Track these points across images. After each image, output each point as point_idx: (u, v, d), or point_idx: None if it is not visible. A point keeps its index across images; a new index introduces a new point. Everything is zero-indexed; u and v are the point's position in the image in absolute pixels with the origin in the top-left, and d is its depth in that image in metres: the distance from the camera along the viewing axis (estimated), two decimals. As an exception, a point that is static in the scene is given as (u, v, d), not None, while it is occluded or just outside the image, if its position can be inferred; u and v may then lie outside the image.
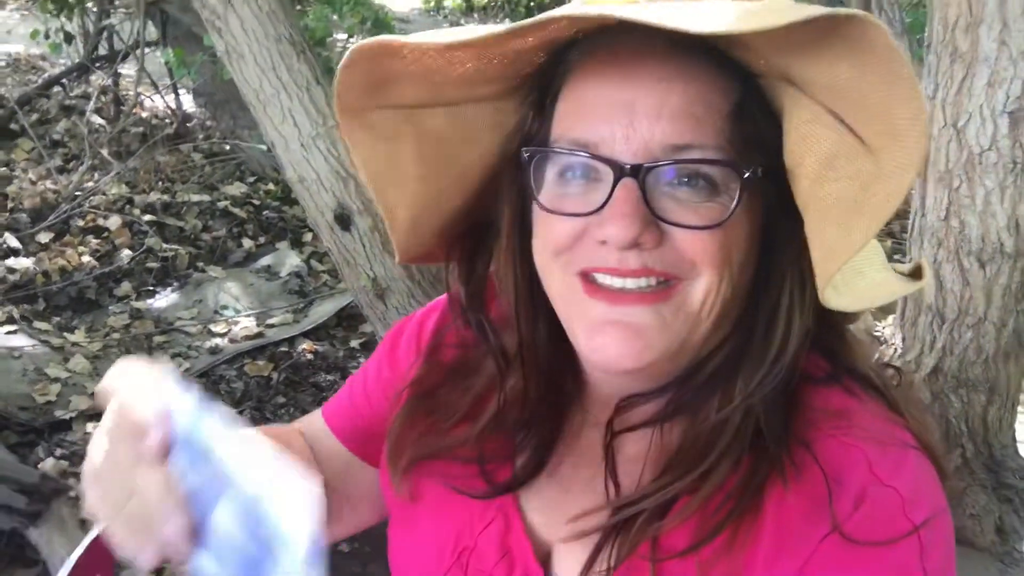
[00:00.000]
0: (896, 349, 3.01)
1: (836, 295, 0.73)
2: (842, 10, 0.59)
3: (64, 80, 6.45)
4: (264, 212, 5.27)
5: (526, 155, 0.78)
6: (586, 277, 0.75)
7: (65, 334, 4.04)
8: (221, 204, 5.22)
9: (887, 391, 0.79)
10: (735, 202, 0.72)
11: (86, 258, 4.56)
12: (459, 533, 0.86)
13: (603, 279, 0.74)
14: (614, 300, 0.73)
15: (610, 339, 0.74)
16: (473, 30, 0.71)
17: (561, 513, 0.82)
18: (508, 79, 0.80)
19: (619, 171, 0.71)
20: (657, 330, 0.73)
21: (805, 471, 0.73)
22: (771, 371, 0.75)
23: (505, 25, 0.69)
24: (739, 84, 0.74)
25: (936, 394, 2.91)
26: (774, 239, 0.77)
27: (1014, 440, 3.10)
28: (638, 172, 0.71)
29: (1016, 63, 2.53)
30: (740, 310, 0.78)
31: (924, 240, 2.81)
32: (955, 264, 2.76)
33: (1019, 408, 3.12)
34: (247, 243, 4.98)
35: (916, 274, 0.80)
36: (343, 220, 2.84)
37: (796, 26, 0.58)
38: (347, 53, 0.75)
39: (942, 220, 2.75)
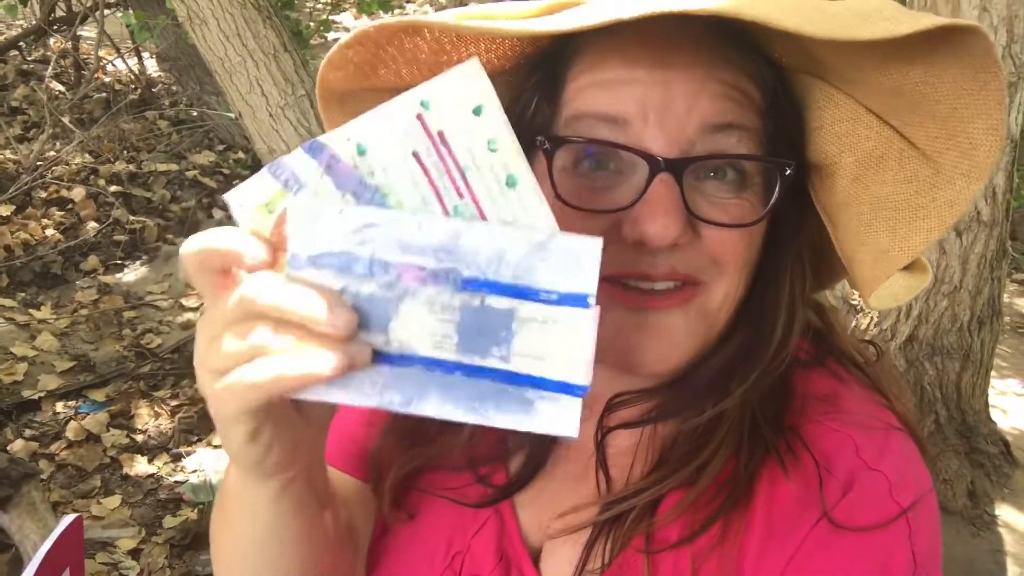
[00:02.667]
0: (872, 318, 3.03)
1: (876, 296, 0.72)
2: (960, 21, 0.56)
3: (21, 44, 6.21)
4: (235, 182, 5.13)
5: (546, 144, 0.69)
6: (612, 281, 0.69)
7: (31, 311, 3.94)
8: (190, 174, 5.09)
9: (868, 369, 0.78)
10: (773, 200, 0.69)
11: (50, 231, 4.44)
12: (450, 538, 0.83)
13: (631, 282, 0.70)
14: (643, 304, 0.69)
15: (642, 342, 0.70)
16: (513, 17, 0.63)
17: (551, 510, 0.79)
18: (510, 58, 0.75)
19: (656, 165, 0.65)
20: (685, 332, 0.70)
21: (796, 458, 0.72)
22: (771, 365, 0.73)
23: (543, 20, 0.61)
24: (771, 75, 0.70)
25: (911, 361, 2.94)
26: (780, 233, 0.74)
27: (987, 406, 3.16)
28: (676, 167, 0.65)
29: (997, 30, 2.51)
30: (744, 305, 0.75)
31: (902, 209, 2.82)
32: (932, 233, 2.77)
33: (992, 374, 3.17)
34: (217, 214, 4.87)
35: (911, 266, 0.78)
36: (315, 193, 2.77)
37: (914, 35, 0.55)
38: (356, 31, 0.67)
39: (920, 189, 2.75)
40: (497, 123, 0.56)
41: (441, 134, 0.56)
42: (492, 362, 0.54)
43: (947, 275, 2.81)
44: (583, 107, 0.68)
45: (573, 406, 0.54)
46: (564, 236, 0.53)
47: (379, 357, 0.55)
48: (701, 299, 0.70)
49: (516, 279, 0.53)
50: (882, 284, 0.72)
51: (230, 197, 0.57)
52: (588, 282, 0.53)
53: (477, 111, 0.55)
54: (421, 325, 0.54)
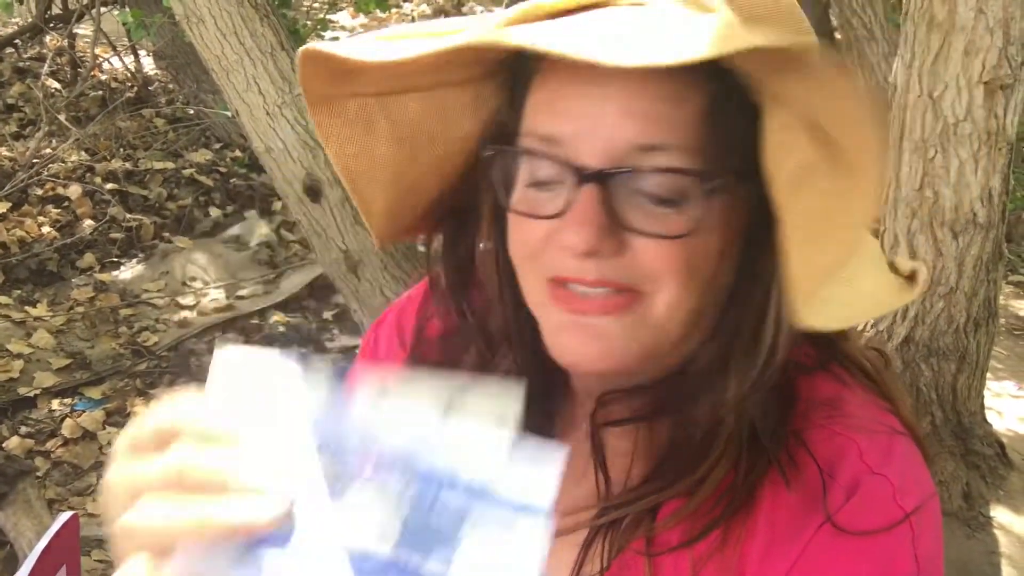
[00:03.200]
0: (868, 320, 3.03)
1: (813, 312, 0.68)
2: (773, 44, 0.57)
3: (17, 41, 6.19)
4: (231, 180, 5.14)
5: (491, 153, 0.75)
6: (554, 283, 0.73)
7: (27, 308, 3.93)
8: (186, 172, 5.08)
9: (874, 375, 0.78)
10: (699, 213, 0.68)
11: (46, 229, 4.43)
12: None
13: (571, 285, 0.72)
14: (577, 307, 0.71)
15: (573, 341, 0.72)
16: (418, 41, 0.66)
17: None
18: (481, 64, 0.76)
19: (579, 176, 0.68)
20: (619, 337, 0.71)
21: (798, 463, 0.71)
22: (764, 372, 0.73)
23: (444, 41, 0.65)
24: (715, 80, 0.69)
25: (907, 363, 2.95)
26: (758, 240, 0.73)
27: (982, 407, 3.17)
28: (599, 177, 0.67)
29: (993, 32, 2.51)
30: (720, 313, 0.75)
31: (898, 211, 2.82)
32: (928, 234, 2.78)
33: (987, 376, 3.18)
34: (214, 212, 4.86)
35: (914, 277, 0.77)
36: (313, 191, 2.77)
37: (737, 53, 0.56)
38: (297, 52, 0.71)
39: (916, 190, 2.75)
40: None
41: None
42: (433, 566, 0.49)
43: (943, 277, 2.81)
44: (531, 127, 0.72)
45: None
46: (529, 442, 0.50)
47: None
48: (641, 309, 0.71)
49: (473, 481, 0.50)
50: (835, 307, 0.70)
51: None
52: (548, 492, 0.50)
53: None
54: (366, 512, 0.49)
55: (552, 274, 0.72)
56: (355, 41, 0.69)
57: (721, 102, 0.69)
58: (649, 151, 0.68)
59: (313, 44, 0.70)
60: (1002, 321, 3.99)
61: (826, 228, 0.64)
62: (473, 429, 0.50)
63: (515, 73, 0.76)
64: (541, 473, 0.50)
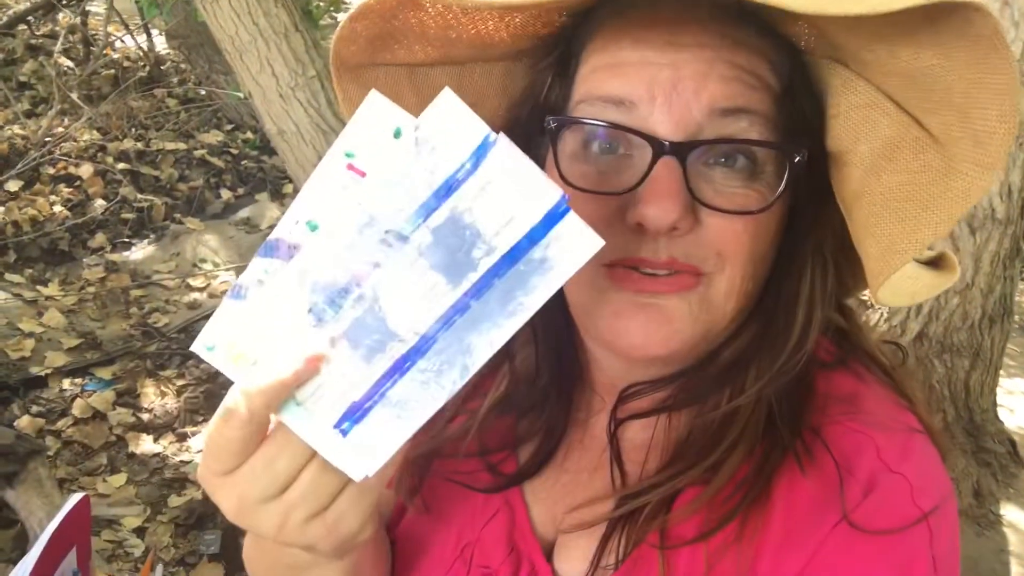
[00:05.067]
0: (883, 314, 3.01)
1: (885, 291, 0.69)
2: None
3: (30, 18, 6.17)
4: (243, 162, 5.14)
5: (552, 124, 0.70)
6: (613, 266, 0.69)
7: (38, 287, 3.95)
8: (198, 153, 5.08)
9: (892, 372, 0.77)
10: (780, 189, 0.67)
11: (58, 208, 4.43)
12: (461, 528, 0.83)
13: (633, 267, 0.69)
14: (642, 287, 0.69)
15: (637, 323, 0.69)
16: None
17: (564, 503, 0.79)
18: (523, 39, 0.73)
19: (659, 147, 0.64)
20: (685, 318, 0.69)
21: (815, 458, 0.70)
22: (789, 361, 0.72)
23: None
24: (787, 59, 0.68)
25: (920, 359, 2.93)
26: (798, 225, 0.73)
27: (994, 405, 3.15)
28: (681, 150, 0.64)
29: (1018, 25, 2.47)
30: (759, 298, 0.74)
31: (916, 205, 2.79)
32: (946, 229, 2.75)
33: (1000, 373, 3.16)
34: (225, 194, 4.86)
35: (938, 263, 0.76)
36: (324, 176, 2.76)
37: (906, 12, 0.53)
38: (359, 4, 0.68)
39: (935, 185, 2.72)
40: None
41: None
42: (484, 264, 0.54)
43: (959, 272, 2.79)
44: (592, 89, 0.68)
45: (572, 224, 0.54)
46: (423, 118, 0.54)
47: (408, 360, 0.55)
48: (703, 289, 0.69)
49: (430, 186, 0.54)
50: (896, 279, 0.70)
51: (196, 347, 0.59)
52: (476, 127, 0.53)
53: (397, 134, 0.55)
54: (407, 298, 0.55)
55: (615, 257, 0.68)
56: None
57: (795, 78, 0.68)
58: (732, 115, 0.65)
59: None
60: (1016, 318, 3.95)
61: (918, 206, 0.63)
62: (393, 170, 0.55)
63: (564, 47, 0.73)
64: (456, 121, 0.54)
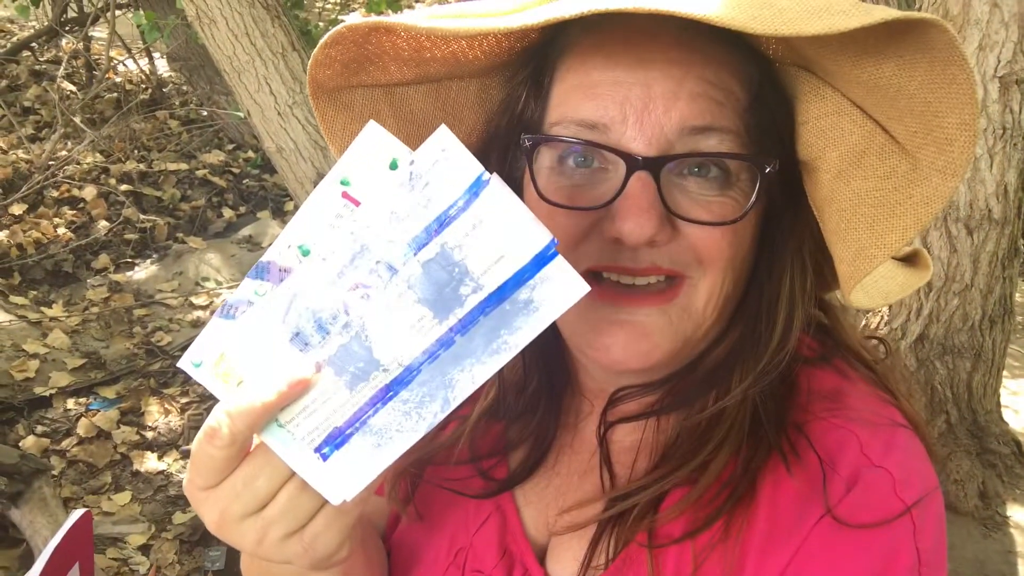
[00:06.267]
0: (883, 316, 3.01)
1: (858, 293, 0.71)
2: (914, 14, 0.55)
3: (33, 44, 6.25)
4: (244, 180, 5.17)
5: (527, 143, 0.72)
6: (591, 275, 0.70)
7: (43, 308, 3.97)
8: (200, 173, 5.12)
9: (875, 367, 0.78)
10: (753, 198, 0.68)
11: (62, 230, 4.47)
12: (454, 533, 0.84)
13: (610, 276, 0.71)
14: (621, 300, 0.70)
15: (617, 339, 0.71)
16: (479, 17, 0.64)
17: (556, 506, 0.80)
18: (498, 55, 0.75)
19: (633, 163, 0.66)
20: (664, 330, 0.71)
21: (799, 454, 0.71)
22: (772, 361, 0.73)
23: (515, 17, 0.62)
24: (756, 70, 0.70)
25: (922, 361, 2.92)
26: (775, 230, 0.74)
27: (998, 406, 3.13)
28: (654, 165, 0.66)
29: (1008, 26, 2.48)
30: (739, 302, 0.75)
31: (912, 207, 2.79)
32: (943, 231, 2.75)
33: (1003, 374, 3.15)
34: (227, 213, 4.89)
35: (912, 260, 0.77)
36: (323, 191, 2.78)
37: (865, 29, 0.54)
38: (332, 31, 0.69)
39: (931, 187, 2.72)
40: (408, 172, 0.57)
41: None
42: (471, 300, 0.55)
43: (958, 274, 2.78)
44: (568, 112, 0.70)
45: (560, 268, 0.55)
46: (419, 152, 0.55)
47: (391, 390, 0.57)
48: (685, 297, 0.71)
49: (422, 220, 0.55)
50: (870, 280, 0.71)
51: (183, 363, 0.60)
52: (470, 165, 0.54)
53: (393, 165, 0.57)
54: (393, 328, 0.56)
55: (591, 264, 0.70)
56: (405, 15, 0.67)
57: (764, 91, 0.70)
58: (701, 133, 0.67)
59: (348, 22, 0.69)
60: (1018, 318, 3.94)
61: (885, 212, 0.64)
62: (386, 197, 0.56)
63: (538, 61, 0.74)
64: (450, 159, 0.55)
